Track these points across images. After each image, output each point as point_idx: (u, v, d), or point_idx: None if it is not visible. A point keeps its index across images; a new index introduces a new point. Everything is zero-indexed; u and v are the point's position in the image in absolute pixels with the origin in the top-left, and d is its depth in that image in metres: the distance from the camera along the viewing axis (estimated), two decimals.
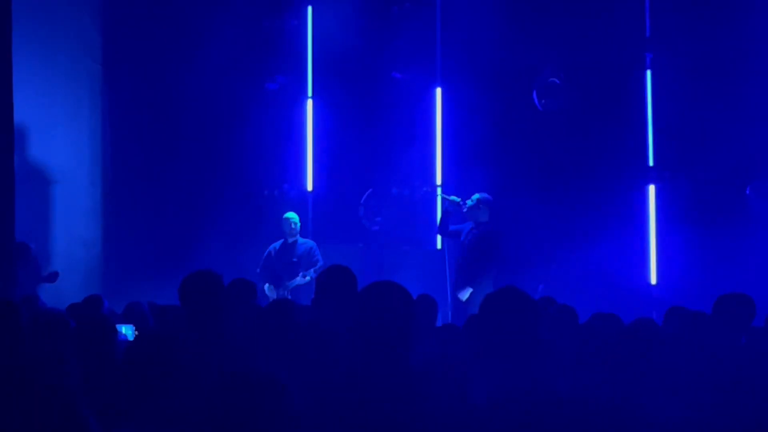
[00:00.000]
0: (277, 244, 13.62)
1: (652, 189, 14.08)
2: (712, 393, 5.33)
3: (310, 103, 15.66)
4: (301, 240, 13.58)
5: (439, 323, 8.19)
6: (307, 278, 13.14)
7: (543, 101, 14.33)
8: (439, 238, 14.47)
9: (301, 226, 13.84)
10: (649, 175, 14.06)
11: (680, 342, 6.13)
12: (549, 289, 11.95)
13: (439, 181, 14.93)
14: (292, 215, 13.69)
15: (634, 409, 4.17)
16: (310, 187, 15.52)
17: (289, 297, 12.84)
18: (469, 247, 12.27)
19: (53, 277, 12.98)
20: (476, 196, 12.43)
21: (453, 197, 12.60)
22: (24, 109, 12.57)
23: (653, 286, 13.88)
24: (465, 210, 12.39)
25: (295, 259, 13.39)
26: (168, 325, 7.06)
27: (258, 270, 13.49)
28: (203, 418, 3.23)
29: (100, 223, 15.22)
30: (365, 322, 4.34)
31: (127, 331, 6.75)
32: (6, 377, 3.48)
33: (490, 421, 4.00)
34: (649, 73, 14.22)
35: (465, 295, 12.02)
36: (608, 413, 4.18)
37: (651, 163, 14.12)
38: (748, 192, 13.36)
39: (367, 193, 13.53)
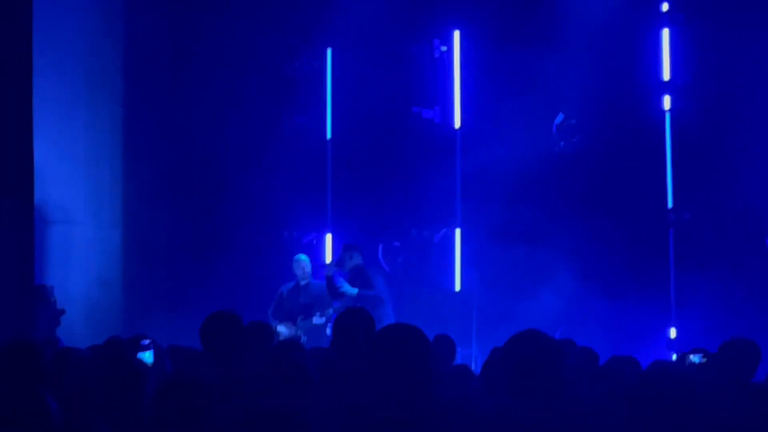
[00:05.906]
0: (290, 285, 13.58)
1: (671, 232, 14.04)
2: None
3: (329, 144, 15.70)
4: (313, 281, 13.55)
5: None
6: (323, 319, 13.11)
7: (562, 142, 14.36)
8: (457, 279, 14.50)
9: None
10: (669, 218, 14.03)
11: (696, 386, 6.08)
12: (568, 331, 11.90)
13: (459, 222, 14.93)
14: (303, 257, 13.64)
15: None
16: (330, 229, 15.54)
17: (304, 337, 12.79)
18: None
19: (59, 314, 12.95)
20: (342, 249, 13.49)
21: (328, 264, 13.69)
22: (44, 151, 12.65)
23: (672, 328, 13.82)
24: (340, 266, 13.32)
25: (309, 301, 13.35)
26: (187, 367, 7.04)
27: (270, 311, 13.46)
28: None
29: (119, 265, 15.24)
30: (382, 364, 4.35)
31: (148, 358, 6.70)
32: (30, 419, 3.49)
33: None
34: (668, 115, 14.22)
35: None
36: None
37: (670, 205, 14.09)
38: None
39: (380, 247, 13.64)
